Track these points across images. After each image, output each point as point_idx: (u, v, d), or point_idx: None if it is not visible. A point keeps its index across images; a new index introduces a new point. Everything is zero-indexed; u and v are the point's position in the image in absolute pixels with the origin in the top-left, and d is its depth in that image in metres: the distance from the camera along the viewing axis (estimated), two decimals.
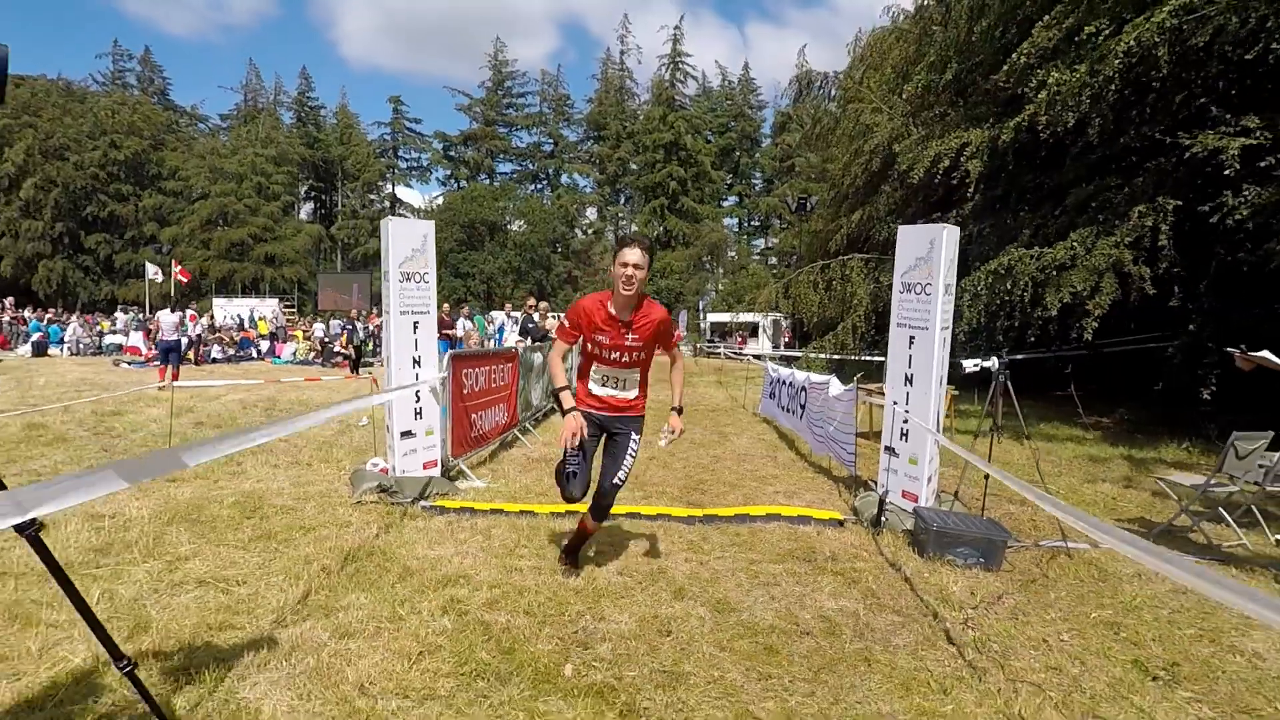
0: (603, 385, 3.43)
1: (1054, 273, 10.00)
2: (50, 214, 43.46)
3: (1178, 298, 9.63)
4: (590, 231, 57.73)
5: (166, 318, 12.23)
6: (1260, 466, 4.80)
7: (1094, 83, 9.26)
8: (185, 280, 30.02)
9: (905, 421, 4.87)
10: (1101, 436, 9.74)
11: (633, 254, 3.16)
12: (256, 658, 2.70)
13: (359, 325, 17.37)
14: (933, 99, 15.86)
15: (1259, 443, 4.65)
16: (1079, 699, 2.69)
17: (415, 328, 5.50)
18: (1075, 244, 9.90)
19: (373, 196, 56.64)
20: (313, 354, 20.89)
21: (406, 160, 59.77)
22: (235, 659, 2.68)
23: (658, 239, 50.14)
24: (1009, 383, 4.62)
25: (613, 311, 3.27)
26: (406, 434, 5.46)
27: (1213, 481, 4.75)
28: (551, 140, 58.99)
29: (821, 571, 3.89)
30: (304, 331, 24.87)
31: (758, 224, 57.16)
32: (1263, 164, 8.36)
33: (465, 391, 6.20)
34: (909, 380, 4.86)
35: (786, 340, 31.17)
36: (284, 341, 22.54)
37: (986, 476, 4.84)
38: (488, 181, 56.53)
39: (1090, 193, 10.75)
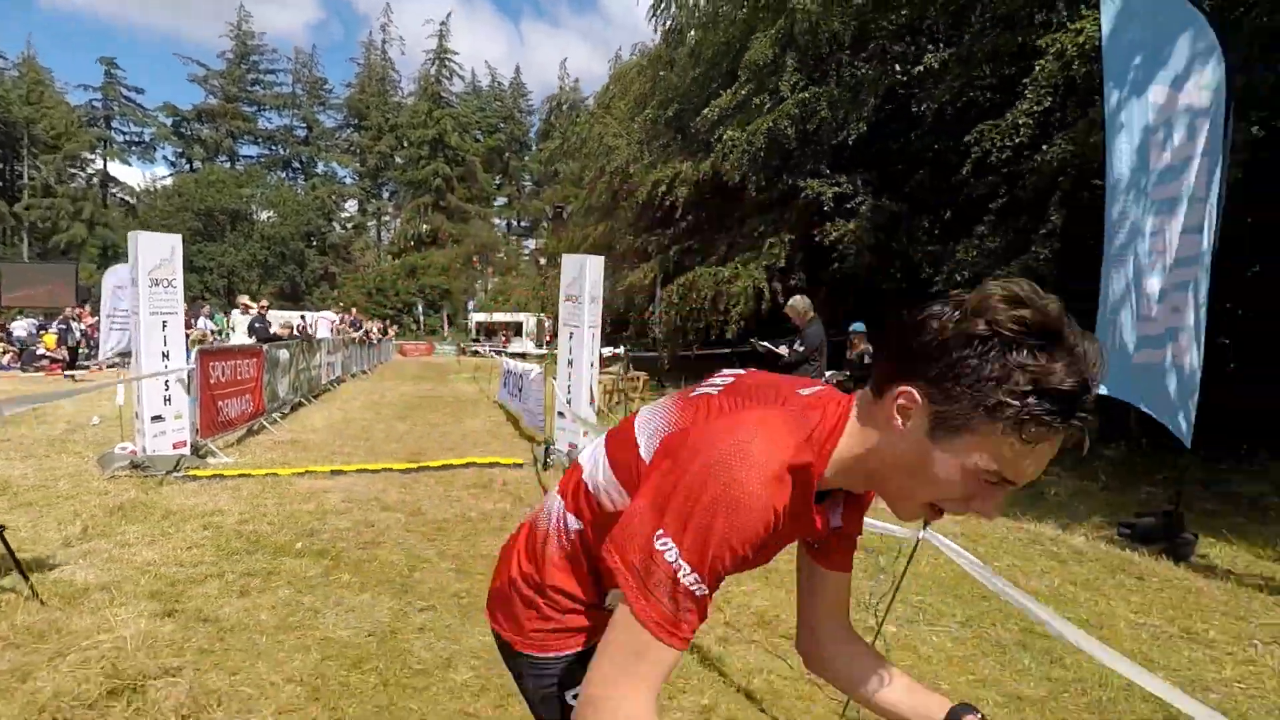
0: None
1: (724, 286, 13.14)
2: None
3: None
4: (350, 226, 55.24)
5: None
6: None
7: (750, 149, 12.43)
8: None
9: (569, 393, 6.93)
10: None
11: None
12: (59, 561, 3.80)
13: (74, 325, 15.95)
14: (660, 130, 18.81)
15: None
16: None
17: (164, 326, 6.37)
18: (738, 265, 13.12)
19: (75, 171, 48.56)
20: (9, 357, 18.34)
21: (124, 133, 52.23)
22: (43, 564, 3.75)
23: (423, 237, 49.75)
24: (631, 364, 6.89)
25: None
26: (157, 418, 6.32)
27: None
28: (305, 125, 55.33)
29: (492, 492, 5.75)
30: None
31: (527, 225, 59.07)
32: (849, 205, 12.06)
33: (212, 381, 7.10)
34: (570, 364, 6.92)
35: (549, 339, 33.36)
36: None
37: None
38: (228, 165, 51.47)
39: (756, 223, 14.18)
